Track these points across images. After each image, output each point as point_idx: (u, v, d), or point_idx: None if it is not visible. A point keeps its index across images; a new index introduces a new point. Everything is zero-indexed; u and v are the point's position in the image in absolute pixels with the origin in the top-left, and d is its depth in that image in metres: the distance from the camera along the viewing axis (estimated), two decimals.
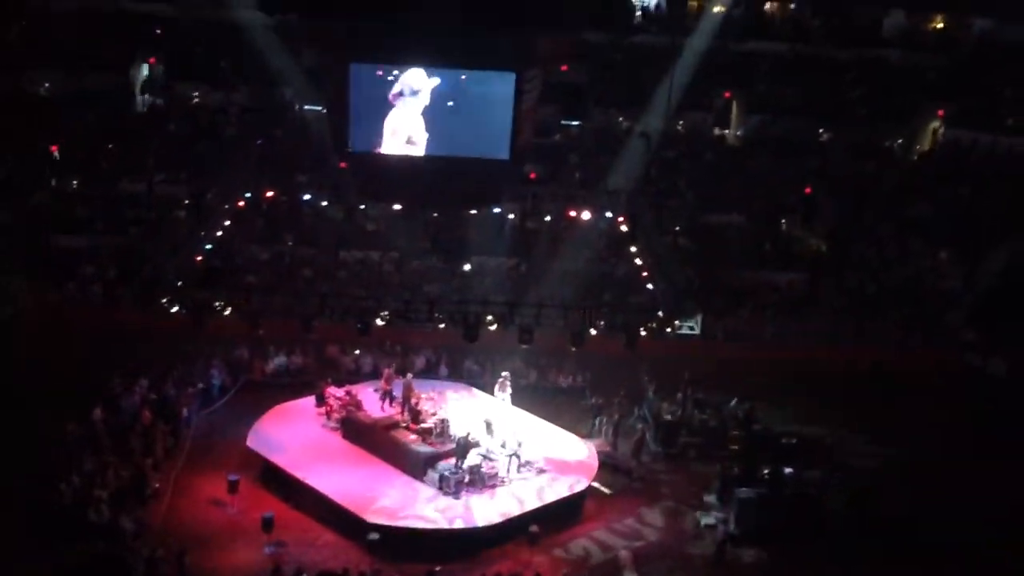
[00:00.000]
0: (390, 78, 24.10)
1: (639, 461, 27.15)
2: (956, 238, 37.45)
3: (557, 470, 25.25)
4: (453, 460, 24.35)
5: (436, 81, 24.05)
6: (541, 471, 25.06)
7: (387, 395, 27.67)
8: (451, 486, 23.65)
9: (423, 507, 23.15)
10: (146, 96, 42.97)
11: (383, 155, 24.82)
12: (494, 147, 24.99)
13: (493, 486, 24.12)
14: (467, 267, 36.04)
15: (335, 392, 27.94)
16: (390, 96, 24.15)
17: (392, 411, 27.18)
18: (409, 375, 28.06)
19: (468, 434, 24.81)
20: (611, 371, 30.52)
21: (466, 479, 23.92)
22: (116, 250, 35.06)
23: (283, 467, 24.66)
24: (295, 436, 26.40)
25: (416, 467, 24.44)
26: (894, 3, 44.64)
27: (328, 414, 27.53)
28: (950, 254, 37.44)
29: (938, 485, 26.59)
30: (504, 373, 28.38)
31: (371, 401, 27.77)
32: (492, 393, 28.45)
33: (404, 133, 24.49)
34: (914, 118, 43.56)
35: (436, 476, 23.99)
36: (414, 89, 24.15)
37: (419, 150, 24.69)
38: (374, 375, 30.48)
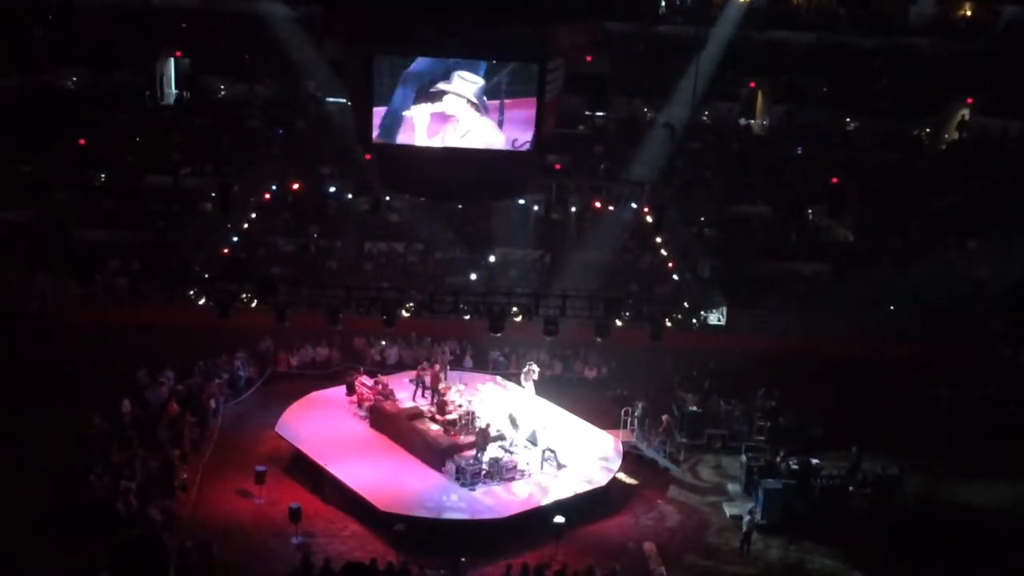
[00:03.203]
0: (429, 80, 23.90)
1: (665, 452, 27.06)
2: (986, 228, 37.00)
3: (582, 462, 25.18)
4: (473, 452, 24.39)
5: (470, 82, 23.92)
6: (565, 463, 24.99)
7: (421, 384, 27.83)
8: (468, 477, 23.69)
9: (446, 498, 23.19)
10: (171, 90, 43.21)
11: (407, 147, 24.67)
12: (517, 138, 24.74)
13: (512, 479, 24.11)
14: (492, 258, 36.06)
15: (366, 382, 28.07)
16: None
17: (423, 401, 27.29)
18: (436, 365, 28.15)
19: (488, 425, 24.82)
20: (636, 362, 30.43)
21: (483, 471, 23.94)
22: (142, 244, 35.25)
23: (309, 455, 24.79)
24: (323, 425, 26.55)
25: (435, 458, 24.50)
26: None
27: (359, 402, 27.68)
28: (979, 244, 36.99)
29: (966, 479, 26.37)
30: (530, 363, 28.36)
31: (405, 391, 27.93)
32: (519, 383, 28.46)
33: (428, 125, 24.32)
34: (942, 107, 43.11)
35: (454, 467, 24.03)
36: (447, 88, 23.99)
37: (443, 142, 24.54)
38: (399, 366, 30.61)
